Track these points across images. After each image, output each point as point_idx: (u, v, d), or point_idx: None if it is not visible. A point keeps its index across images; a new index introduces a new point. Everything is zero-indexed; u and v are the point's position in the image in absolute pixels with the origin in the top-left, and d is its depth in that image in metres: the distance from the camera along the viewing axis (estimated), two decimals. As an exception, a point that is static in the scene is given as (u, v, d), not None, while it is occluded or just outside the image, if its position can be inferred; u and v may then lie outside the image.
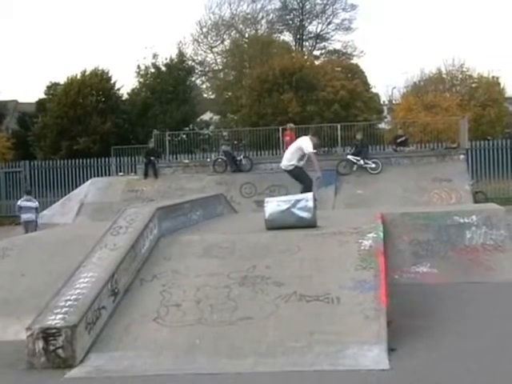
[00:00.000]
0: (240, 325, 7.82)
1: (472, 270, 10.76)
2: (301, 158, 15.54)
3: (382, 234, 9.88)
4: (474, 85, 44.67)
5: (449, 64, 45.35)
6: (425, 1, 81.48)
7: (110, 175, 30.52)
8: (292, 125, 27.02)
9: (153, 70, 43.04)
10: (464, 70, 45.26)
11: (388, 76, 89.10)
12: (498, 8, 79.09)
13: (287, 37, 59.03)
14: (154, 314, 8.17)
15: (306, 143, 15.49)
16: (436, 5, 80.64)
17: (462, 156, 25.30)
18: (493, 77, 44.53)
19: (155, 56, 43.14)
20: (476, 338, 7.70)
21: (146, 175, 26.39)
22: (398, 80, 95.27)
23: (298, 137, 26.90)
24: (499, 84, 44.74)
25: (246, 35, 56.29)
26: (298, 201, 10.90)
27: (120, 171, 30.96)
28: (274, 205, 10.96)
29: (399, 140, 27.05)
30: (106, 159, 32.69)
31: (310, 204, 10.83)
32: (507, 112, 45.96)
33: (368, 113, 42.21)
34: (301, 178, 15.86)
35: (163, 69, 42.64)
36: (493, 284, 10.19)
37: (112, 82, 41.44)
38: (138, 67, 43.43)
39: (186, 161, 28.89)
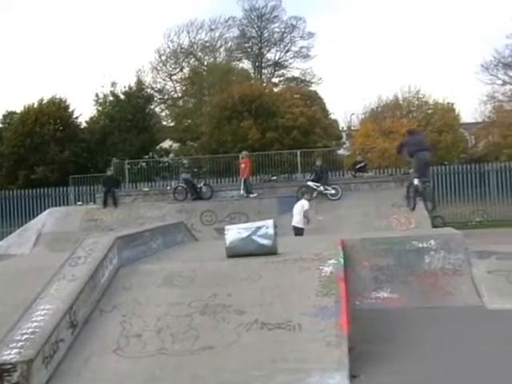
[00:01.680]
0: (202, 354, 7.74)
1: (431, 295, 10.86)
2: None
3: (342, 260, 9.93)
4: (429, 111, 45.43)
5: (405, 91, 46.14)
6: (380, 29, 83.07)
7: (68, 205, 30.11)
8: (246, 152, 27.05)
9: (111, 98, 42.86)
10: (420, 96, 46.07)
11: (346, 102, 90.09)
12: (452, 36, 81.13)
13: (246, 64, 59.48)
14: (113, 346, 8.04)
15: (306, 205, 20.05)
16: (391, 32, 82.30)
17: (419, 181, 25.57)
18: (448, 103, 45.44)
19: (114, 84, 43.04)
20: (436, 363, 7.75)
21: (105, 204, 26.13)
22: (356, 106, 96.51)
23: (255, 163, 27.31)
24: (454, 110, 45.65)
25: (205, 63, 56.48)
26: (259, 228, 10.90)
27: (79, 200, 30.58)
28: (234, 232, 10.93)
29: (358, 166, 27.34)
30: (64, 188, 32.28)
31: (271, 231, 10.84)
32: (463, 137, 46.83)
33: (327, 139, 42.52)
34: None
35: (122, 97, 42.48)
36: (452, 308, 10.29)
37: (70, 110, 41.07)
38: (97, 95, 43.24)
39: (146, 189, 28.69)
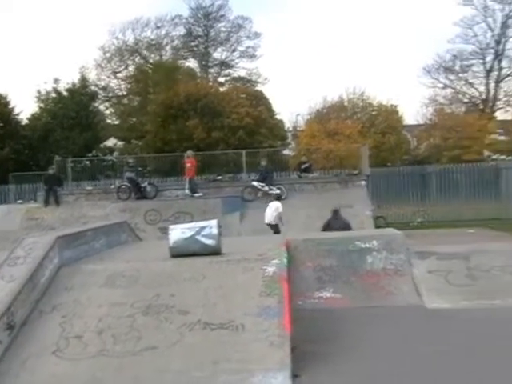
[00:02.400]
0: (144, 355, 7.67)
1: (373, 295, 11.01)
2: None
3: (285, 261, 9.97)
4: (374, 112, 46.10)
5: (350, 92, 46.73)
6: (325, 30, 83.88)
7: (8, 203, 29.41)
8: (191, 152, 26.82)
9: (54, 95, 42.10)
10: (364, 98, 46.71)
11: (292, 103, 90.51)
12: (396, 39, 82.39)
13: (192, 63, 59.27)
14: (53, 347, 7.89)
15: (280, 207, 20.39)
16: (337, 34, 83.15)
17: (363, 182, 25.98)
18: (391, 105, 46.21)
19: (56, 81, 42.30)
20: (378, 363, 7.85)
21: (46, 203, 25.60)
22: (301, 107, 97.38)
23: (200, 162, 27.18)
24: (397, 112, 46.48)
25: (151, 61, 56.07)
26: (203, 228, 10.86)
27: (19, 199, 29.89)
28: (178, 232, 10.87)
29: (303, 166, 27.50)
30: (5, 186, 31.58)
31: (215, 231, 10.81)
32: (405, 139, 47.69)
33: (273, 139, 42.67)
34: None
35: (65, 94, 41.79)
36: (393, 308, 10.45)
37: (10, 106, 40.22)
38: (39, 92, 42.45)
39: (89, 188, 28.21)
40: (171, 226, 11.37)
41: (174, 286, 9.24)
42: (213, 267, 9.87)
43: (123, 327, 8.17)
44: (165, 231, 15.12)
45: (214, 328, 8.03)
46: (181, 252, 10.58)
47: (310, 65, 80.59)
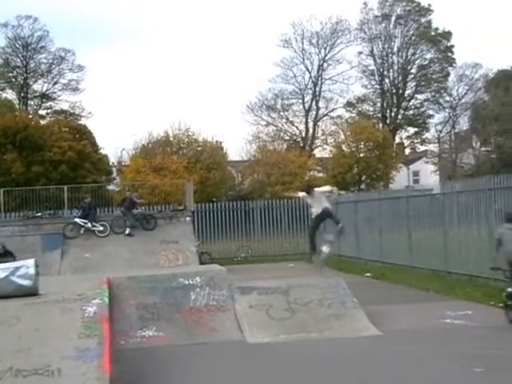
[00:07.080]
0: None
1: (196, 331, 11.00)
2: None
3: (107, 300, 9.67)
4: (199, 148, 46.65)
5: (175, 128, 46.95)
6: (151, 65, 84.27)
7: None
8: None
9: None
10: (190, 133, 47.16)
11: (117, 138, 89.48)
12: (221, 76, 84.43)
13: (10, 95, 56.81)
14: None
15: None
16: (162, 69, 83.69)
17: (188, 218, 26.10)
18: (216, 141, 47.13)
19: None
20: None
21: None
22: (126, 142, 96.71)
23: (18, 198, 25.89)
24: (222, 148, 47.48)
25: (-38, 91, 53.15)
26: (18, 268, 10.29)
27: None
28: (-11, 273, 10.22)
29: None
30: None
31: (31, 271, 10.28)
32: (230, 175, 48.71)
33: (97, 174, 41.81)
34: None
35: None
36: (216, 344, 10.48)
37: None
38: None
39: None
40: (-18, 268, 10.66)
41: (-17, 331, 8.61)
42: (28, 309, 9.33)
43: None
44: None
45: (27, 375, 7.54)
46: (-7, 295, 9.93)
47: (135, 99, 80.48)
